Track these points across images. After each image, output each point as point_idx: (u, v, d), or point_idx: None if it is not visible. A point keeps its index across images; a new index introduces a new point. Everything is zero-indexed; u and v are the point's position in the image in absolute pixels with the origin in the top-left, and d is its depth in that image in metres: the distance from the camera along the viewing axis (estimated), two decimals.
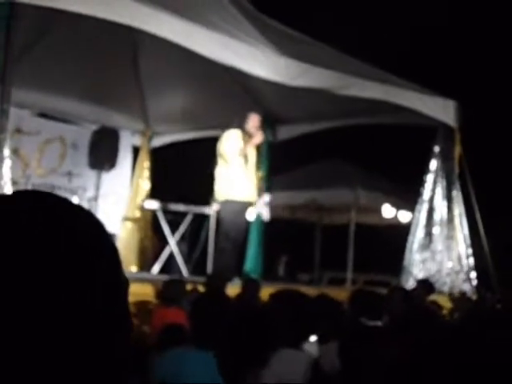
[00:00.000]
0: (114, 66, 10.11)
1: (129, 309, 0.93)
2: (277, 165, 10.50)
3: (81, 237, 0.87)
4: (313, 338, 3.83)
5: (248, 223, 8.73)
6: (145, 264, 10.63)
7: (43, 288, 0.82)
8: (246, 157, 8.18)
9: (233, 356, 2.49)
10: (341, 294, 6.58)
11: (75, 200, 9.57)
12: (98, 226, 0.92)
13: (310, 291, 6.23)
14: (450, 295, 8.70)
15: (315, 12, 15.62)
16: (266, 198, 8.98)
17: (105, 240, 0.91)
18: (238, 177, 8.11)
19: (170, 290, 5.90)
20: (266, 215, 8.81)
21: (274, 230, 10.42)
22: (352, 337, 3.22)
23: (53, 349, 0.82)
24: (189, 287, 6.40)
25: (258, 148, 8.56)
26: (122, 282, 0.91)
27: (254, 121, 8.35)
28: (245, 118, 8.36)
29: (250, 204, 8.35)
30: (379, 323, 4.50)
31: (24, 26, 6.30)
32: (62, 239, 0.85)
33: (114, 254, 0.91)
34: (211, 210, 9.59)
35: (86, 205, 9.89)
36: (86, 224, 0.90)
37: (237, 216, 8.12)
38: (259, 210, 8.83)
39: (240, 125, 8.27)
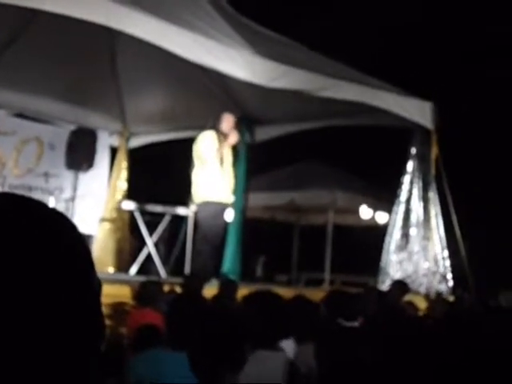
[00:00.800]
0: (92, 65, 10.07)
1: (101, 310, 0.93)
2: (255, 166, 10.50)
3: (53, 239, 0.87)
4: (289, 340, 3.84)
5: (226, 224, 8.72)
6: (122, 265, 10.59)
7: (12, 291, 0.82)
8: (222, 158, 8.17)
9: (208, 357, 2.49)
10: (318, 294, 6.61)
11: (52, 201, 9.52)
12: (70, 228, 0.92)
13: (288, 292, 6.25)
14: (426, 296, 8.77)
15: (292, 13, 15.66)
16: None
17: (78, 242, 0.91)
18: (214, 178, 8.09)
19: (146, 291, 5.88)
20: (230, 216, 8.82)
21: (252, 231, 10.42)
22: (329, 338, 3.24)
23: (23, 350, 0.82)
24: (166, 288, 6.39)
25: (234, 148, 8.55)
26: (94, 284, 0.91)
27: (228, 121, 8.35)
28: (219, 119, 8.36)
29: (227, 205, 8.34)
30: (356, 324, 4.52)
31: (0, 26, 6.26)
32: (34, 242, 0.85)
33: (87, 255, 0.91)
34: (189, 211, 9.58)
35: (62, 205, 9.84)
36: (59, 226, 0.90)
37: (214, 217, 8.11)
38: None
39: (214, 125, 8.26)
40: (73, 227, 0.92)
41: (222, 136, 8.20)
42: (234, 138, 8.26)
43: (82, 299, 0.88)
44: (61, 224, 0.91)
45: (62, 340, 0.85)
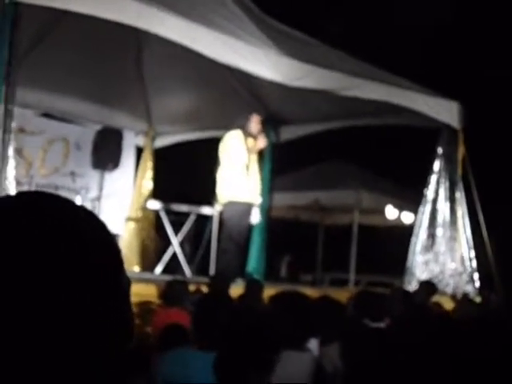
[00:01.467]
0: (118, 65, 10.12)
1: (131, 309, 0.93)
2: (280, 165, 10.49)
3: (83, 238, 0.88)
4: (314, 340, 3.82)
5: (250, 224, 8.70)
6: (148, 264, 10.64)
7: (44, 290, 0.83)
8: (248, 158, 8.14)
9: (234, 358, 2.48)
10: (343, 294, 6.58)
11: (78, 200, 9.58)
12: (100, 226, 0.92)
13: (312, 292, 6.23)
14: (453, 297, 8.70)
15: (319, 13, 15.62)
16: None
17: (107, 240, 0.91)
18: (240, 178, 8.06)
19: (172, 291, 5.90)
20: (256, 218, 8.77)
21: (277, 231, 10.42)
22: (355, 339, 3.22)
23: (54, 349, 0.82)
24: (192, 288, 6.40)
25: (261, 150, 8.51)
26: (124, 282, 0.91)
27: (256, 122, 8.31)
28: (246, 119, 8.33)
29: (252, 205, 8.32)
30: (382, 325, 4.49)
31: (28, 26, 6.31)
32: (64, 240, 0.86)
33: (117, 254, 0.91)
34: (214, 210, 9.59)
35: (88, 205, 9.90)
36: (89, 225, 0.90)
37: (240, 217, 8.09)
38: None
39: (242, 125, 8.23)
40: (102, 225, 0.92)
41: (250, 136, 8.16)
42: (262, 142, 8.20)
43: (111, 298, 0.88)
44: (91, 222, 0.91)
45: (91, 340, 0.85)
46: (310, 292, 5.77)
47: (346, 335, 3.55)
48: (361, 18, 15.78)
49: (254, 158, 8.28)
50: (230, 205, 8.10)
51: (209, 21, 6.94)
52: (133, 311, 0.94)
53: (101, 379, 0.86)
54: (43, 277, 0.83)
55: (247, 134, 8.17)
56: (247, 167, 8.11)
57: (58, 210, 0.89)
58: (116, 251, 0.92)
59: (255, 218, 8.52)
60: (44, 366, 0.82)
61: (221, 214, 8.64)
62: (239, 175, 8.05)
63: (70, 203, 0.92)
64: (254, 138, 8.21)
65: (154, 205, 10.04)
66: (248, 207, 8.18)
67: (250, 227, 8.84)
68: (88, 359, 0.85)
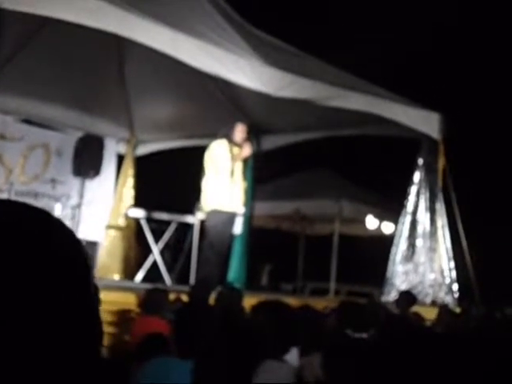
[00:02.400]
0: (100, 73, 10.10)
1: (99, 315, 0.93)
2: (261, 175, 10.50)
3: (51, 245, 0.88)
4: (294, 350, 3.81)
5: (232, 234, 8.67)
6: (128, 272, 10.59)
7: (9, 295, 0.83)
8: (233, 167, 8.12)
9: (216, 367, 2.47)
10: (323, 304, 6.60)
11: (58, 207, 9.53)
12: (68, 233, 0.92)
13: (293, 301, 6.23)
14: (434, 304, 8.73)
15: (301, 22, 15.69)
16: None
17: (75, 247, 0.91)
18: (225, 187, 8.05)
19: (152, 299, 5.88)
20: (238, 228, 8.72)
21: (258, 240, 10.42)
22: (338, 349, 3.22)
23: (20, 354, 0.82)
24: (172, 297, 6.38)
25: (245, 159, 8.49)
26: (91, 289, 0.91)
27: (241, 131, 8.30)
28: (232, 128, 8.31)
29: (235, 214, 8.30)
30: (365, 335, 4.49)
31: (10, 32, 6.28)
32: (32, 248, 0.86)
33: (85, 260, 0.92)
34: (195, 219, 9.57)
35: (69, 212, 9.85)
36: (57, 232, 0.91)
37: (223, 226, 8.06)
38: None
39: (227, 134, 8.21)
40: (70, 233, 0.93)
41: (234, 146, 8.15)
42: (247, 150, 8.17)
43: (79, 304, 0.88)
44: (58, 230, 0.92)
45: (61, 343, 0.85)
46: (291, 301, 5.77)
47: (329, 345, 3.55)
48: (343, 27, 15.86)
49: (239, 166, 8.26)
50: (213, 213, 8.06)
51: (192, 29, 6.94)
52: (101, 318, 0.94)
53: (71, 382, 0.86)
54: (8, 284, 0.83)
55: (232, 142, 8.15)
56: (232, 176, 8.09)
57: (25, 219, 0.89)
58: (84, 257, 0.92)
59: (238, 227, 8.49)
60: (12, 371, 0.82)
61: (203, 222, 8.59)
62: (224, 184, 8.03)
63: (36, 211, 0.92)
64: (239, 146, 8.20)
65: (135, 213, 10.01)
66: (231, 216, 8.16)
67: (233, 237, 8.82)
68: (56, 364, 0.84)
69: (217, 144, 8.11)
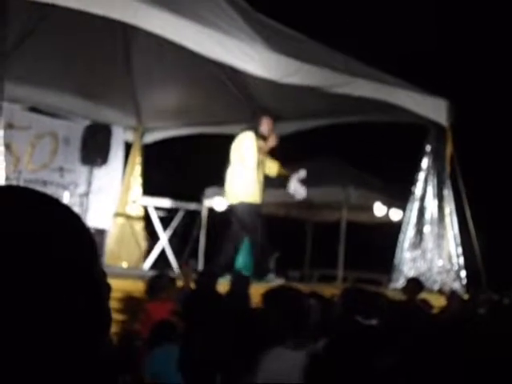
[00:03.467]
0: (107, 61, 10.09)
1: (105, 302, 0.93)
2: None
3: (57, 231, 0.88)
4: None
5: (259, 225, 8.68)
6: (136, 260, 10.62)
7: (15, 285, 0.82)
8: (259, 159, 8.20)
9: (224, 353, 2.48)
10: (331, 291, 6.59)
11: (66, 195, 9.55)
12: (75, 220, 0.92)
13: (301, 288, 6.24)
14: (441, 293, 8.72)
15: (309, 10, 15.61)
16: (302, 173, 8.87)
17: (79, 232, 0.91)
18: (252, 179, 8.14)
19: (158, 285, 5.89)
20: (301, 193, 8.74)
21: (266, 227, 10.41)
22: (345, 335, 3.21)
23: (32, 348, 0.82)
24: (180, 284, 6.39)
25: (273, 151, 8.52)
26: (97, 275, 0.91)
27: (267, 124, 8.36)
28: (258, 121, 8.36)
29: (261, 206, 8.36)
30: (374, 322, 4.47)
31: (16, 21, 6.28)
32: (38, 236, 0.86)
33: (90, 246, 0.92)
34: (202, 206, 9.58)
35: (77, 200, 9.87)
36: (64, 218, 0.90)
37: (250, 218, 8.17)
38: (295, 187, 8.71)
39: (253, 127, 8.29)
40: (77, 219, 0.92)
41: (261, 138, 8.22)
42: (273, 141, 8.27)
43: (85, 291, 0.88)
44: (65, 216, 0.91)
45: (64, 334, 0.85)
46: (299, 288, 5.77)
47: (337, 332, 3.54)
48: (351, 14, 15.79)
49: (265, 159, 8.33)
50: (241, 205, 8.16)
51: (197, 16, 6.92)
52: (108, 304, 0.94)
53: (83, 377, 0.86)
54: (11, 272, 0.83)
55: (258, 135, 8.22)
56: (258, 168, 8.17)
57: (30, 205, 0.89)
58: (88, 243, 0.92)
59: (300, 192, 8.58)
60: (21, 366, 0.82)
61: (231, 212, 8.58)
62: (251, 176, 8.09)
63: (43, 197, 0.92)
64: (265, 139, 8.26)
65: (143, 200, 10.02)
66: (258, 208, 8.24)
67: (258, 227, 8.80)
68: (61, 354, 0.84)
69: (245, 136, 8.18)
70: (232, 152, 8.23)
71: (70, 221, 0.92)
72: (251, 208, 8.12)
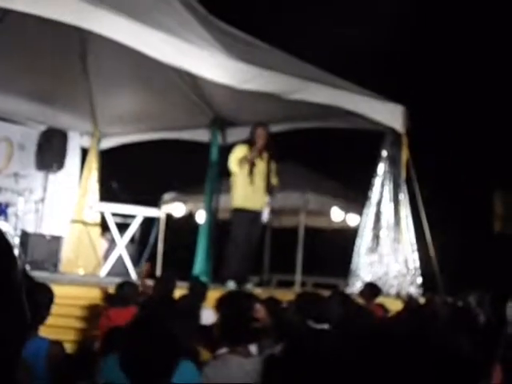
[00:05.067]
0: (62, 65, 9.99)
1: (24, 306, 0.92)
2: (227, 168, 10.50)
3: None
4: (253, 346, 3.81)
5: (256, 230, 8.72)
6: (92, 267, 10.51)
7: None
8: (251, 168, 8.28)
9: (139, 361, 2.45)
10: (289, 296, 6.62)
11: (21, 202, 9.41)
12: None
13: (259, 293, 6.25)
14: (397, 297, 8.82)
15: (268, 15, 15.67)
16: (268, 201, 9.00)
17: None
18: (242, 187, 8.34)
19: (122, 293, 5.85)
20: (265, 217, 8.87)
21: (224, 233, 10.42)
22: (298, 340, 3.22)
23: None
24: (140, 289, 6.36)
25: (271, 158, 8.53)
26: (16, 279, 0.90)
27: (259, 134, 8.42)
28: (254, 132, 8.42)
29: (257, 213, 8.45)
30: (326, 326, 4.51)
31: None
32: None
33: (7, 251, 0.91)
34: (160, 212, 9.53)
35: (32, 206, 9.74)
36: None
37: (244, 225, 8.34)
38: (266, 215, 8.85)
39: (249, 139, 8.39)
40: None
41: (256, 148, 8.30)
42: (260, 142, 8.36)
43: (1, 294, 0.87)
44: None
45: None
46: (257, 293, 5.78)
47: (290, 336, 3.56)
48: (308, 21, 15.88)
49: (262, 165, 8.39)
50: (235, 213, 8.46)
51: (154, 21, 6.90)
52: (26, 310, 0.93)
53: None
54: None
55: (253, 146, 8.30)
56: (252, 176, 8.25)
57: None
58: (5, 248, 0.91)
59: (265, 217, 8.66)
60: None
61: (229, 221, 8.77)
62: (243, 185, 8.31)
63: None
64: (261, 149, 8.34)
65: (100, 207, 9.93)
66: (253, 215, 8.39)
67: (256, 232, 8.81)
68: None
69: (234, 149, 8.52)
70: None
71: None
72: (239, 215, 8.38)
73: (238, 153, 8.43)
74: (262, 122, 8.60)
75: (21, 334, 0.91)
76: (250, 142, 8.45)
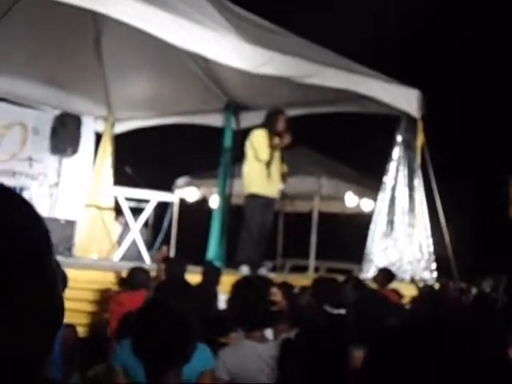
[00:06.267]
0: (77, 50, 9.99)
1: (60, 294, 0.90)
2: (240, 152, 10.48)
3: (19, 219, 0.85)
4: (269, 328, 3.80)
5: (270, 217, 8.73)
6: (106, 251, 10.54)
7: None
8: (271, 155, 8.27)
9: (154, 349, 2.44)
10: (303, 281, 6.61)
11: (35, 186, 9.44)
12: (23, 208, 0.89)
13: (273, 278, 6.25)
14: (412, 283, 8.78)
15: (283, 2, 15.59)
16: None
17: (31, 224, 0.89)
18: (262, 174, 8.26)
19: (135, 278, 5.86)
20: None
21: (238, 218, 10.42)
22: (315, 325, 3.21)
23: None
24: (153, 274, 6.36)
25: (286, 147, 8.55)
26: (51, 267, 0.88)
27: (283, 122, 8.38)
28: (274, 119, 8.36)
29: (273, 199, 8.44)
30: (342, 311, 4.49)
31: None
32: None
33: (42, 238, 0.89)
34: (174, 197, 9.52)
35: (46, 191, 9.77)
36: (8, 207, 0.88)
37: (259, 211, 8.28)
38: None
39: (268, 124, 8.32)
40: (25, 207, 0.90)
41: (275, 134, 8.27)
42: (288, 139, 8.34)
43: (34, 283, 0.85)
44: (10, 205, 0.88)
45: (12, 325, 0.82)
46: (271, 278, 5.78)
47: (306, 321, 3.55)
48: (323, 6, 15.78)
49: (278, 155, 8.39)
50: (251, 198, 8.36)
51: (168, 5, 6.87)
52: (62, 296, 0.91)
53: (24, 367, 0.84)
54: None
55: (272, 131, 8.25)
56: (270, 164, 8.21)
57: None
58: (41, 234, 0.89)
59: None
60: None
61: (243, 206, 8.72)
62: (262, 171, 8.25)
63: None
64: (280, 135, 8.29)
65: (113, 191, 9.94)
66: (268, 201, 8.36)
67: (271, 217, 8.82)
68: (8, 348, 0.82)
69: (257, 133, 8.33)
70: (246, 148, 8.39)
71: (28, 209, 0.89)
72: (255, 201, 8.30)
73: (264, 140, 8.32)
74: (281, 109, 8.55)
75: (57, 321, 0.89)
76: (268, 127, 8.38)
